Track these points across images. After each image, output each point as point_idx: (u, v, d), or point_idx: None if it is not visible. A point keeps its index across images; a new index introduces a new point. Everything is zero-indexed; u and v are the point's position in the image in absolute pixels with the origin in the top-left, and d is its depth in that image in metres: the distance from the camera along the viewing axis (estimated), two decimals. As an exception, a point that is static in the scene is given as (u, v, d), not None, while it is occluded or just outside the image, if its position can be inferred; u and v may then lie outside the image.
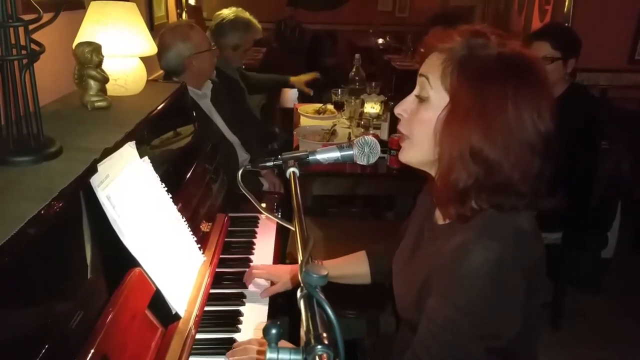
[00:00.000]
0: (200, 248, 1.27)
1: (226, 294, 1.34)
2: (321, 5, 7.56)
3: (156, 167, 1.20)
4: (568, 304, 2.52)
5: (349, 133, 2.60)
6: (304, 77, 3.50)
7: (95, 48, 1.34)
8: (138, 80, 1.59)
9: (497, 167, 0.88)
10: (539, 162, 0.89)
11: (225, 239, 1.55)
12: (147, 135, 1.28)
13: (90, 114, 1.36)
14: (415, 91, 0.98)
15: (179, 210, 1.23)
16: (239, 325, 1.21)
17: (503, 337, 0.91)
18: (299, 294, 0.56)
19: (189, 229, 1.25)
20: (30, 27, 0.98)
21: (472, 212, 0.92)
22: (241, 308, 1.28)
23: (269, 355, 0.50)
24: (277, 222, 1.71)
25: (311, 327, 0.50)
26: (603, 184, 2.33)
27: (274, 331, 0.50)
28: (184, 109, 1.72)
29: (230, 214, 1.69)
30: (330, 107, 3.09)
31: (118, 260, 0.96)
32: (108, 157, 1.02)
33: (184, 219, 1.24)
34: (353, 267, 1.39)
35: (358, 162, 1.03)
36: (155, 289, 1.00)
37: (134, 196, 1.05)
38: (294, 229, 0.76)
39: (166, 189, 1.21)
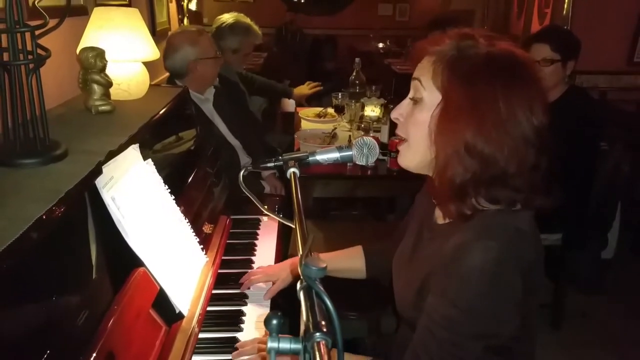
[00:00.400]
0: (202, 249, 1.29)
1: (229, 294, 1.35)
2: (321, 10, 7.60)
3: (159, 169, 1.22)
4: (568, 304, 2.53)
5: (349, 136, 2.62)
6: (306, 91, 3.52)
7: (99, 53, 1.37)
8: (141, 85, 1.62)
9: (492, 160, 0.89)
10: (533, 155, 0.90)
11: (228, 241, 1.57)
12: (150, 138, 1.30)
13: (94, 117, 1.38)
14: (410, 94, 1.00)
15: (182, 212, 1.25)
16: (242, 325, 1.23)
17: (501, 336, 0.92)
18: (298, 286, 0.58)
19: (192, 230, 1.27)
20: (37, 32, 1.01)
21: (473, 210, 0.94)
22: (243, 308, 1.30)
23: (270, 344, 0.52)
24: (278, 225, 1.74)
25: (310, 317, 0.52)
26: (603, 184, 2.35)
27: (274, 321, 0.52)
28: (186, 113, 1.74)
29: (232, 216, 1.71)
30: (330, 110, 3.12)
31: (122, 260, 0.98)
32: (112, 160, 1.05)
33: (187, 221, 1.26)
34: (349, 261, 1.41)
35: (357, 162, 1.05)
36: (159, 288, 1.02)
37: (138, 197, 1.08)
38: (294, 226, 0.78)
39: (169, 190, 1.23)
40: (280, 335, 0.52)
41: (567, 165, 2.19)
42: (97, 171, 0.98)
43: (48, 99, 1.09)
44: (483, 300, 0.89)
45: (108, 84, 1.41)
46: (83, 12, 1.82)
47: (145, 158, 1.18)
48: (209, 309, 1.22)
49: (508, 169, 0.90)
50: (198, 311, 1.13)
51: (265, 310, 1.31)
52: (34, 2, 1.04)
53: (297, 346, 0.51)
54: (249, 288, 1.38)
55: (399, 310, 1.13)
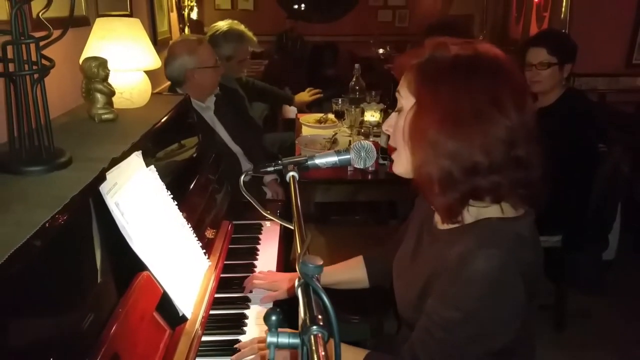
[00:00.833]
0: (205, 253, 1.31)
1: (231, 297, 1.37)
2: (321, 17, 7.65)
3: (162, 176, 1.25)
4: (570, 306, 2.54)
5: (349, 141, 2.65)
6: (306, 98, 3.55)
7: (102, 63, 1.40)
8: (143, 93, 1.64)
9: (459, 155, 0.91)
10: (505, 149, 0.91)
11: (230, 245, 1.59)
12: (152, 145, 1.32)
13: (97, 126, 1.41)
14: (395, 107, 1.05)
15: (184, 217, 1.27)
16: (244, 328, 1.25)
17: (502, 340, 0.93)
18: (296, 283, 0.60)
19: (195, 235, 1.29)
20: (41, 43, 1.03)
21: (461, 207, 0.96)
22: (246, 311, 1.32)
23: (269, 339, 0.54)
24: (280, 230, 1.76)
25: (307, 312, 0.54)
26: (602, 186, 2.36)
27: (273, 317, 0.54)
28: (187, 120, 1.77)
29: (234, 222, 1.72)
30: (331, 116, 3.14)
31: (127, 265, 1.00)
32: (116, 166, 1.07)
33: (190, 226, 1.28)
34: (350, 273, 1.43)
35: (355, 165, 1.07)
36: (162, 291, 1.04)
37: (141, 203, 1.10)
38: (293, 227, 0.80)
39: (172, 196, 1.25)
40: (279, 330, 0.54)
41: (566, 167, 2.21)
42: (101, 178, 1.00)
43: (52, 108, 1.11)
44: (485, 305, 0.90)
45: (111, 92, 1.44)
46: (85, 23, 1.85)
47: (148, 165, 1.20)
48: (211, 312, 1.24)
49: (478, 162, 0.91)
50: (201, 314, 1.15)
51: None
52: (38, 14, 1.06)
53: (295, 340, 0.53)
54: (251, 291, 1.40)
55: (400, 313, 1.14)
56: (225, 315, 1.30)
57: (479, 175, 0.92)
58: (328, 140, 2.69)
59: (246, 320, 1.28)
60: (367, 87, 3.17)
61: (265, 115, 4.16)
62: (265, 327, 0.56)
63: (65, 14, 1.55)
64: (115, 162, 1.08)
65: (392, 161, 1.07)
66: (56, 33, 1.08)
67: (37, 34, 1.03)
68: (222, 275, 1.40)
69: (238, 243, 1.65)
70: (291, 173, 1.00)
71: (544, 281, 1.02)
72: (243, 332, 1.23)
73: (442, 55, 0.96)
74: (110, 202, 1.00)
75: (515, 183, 0.94)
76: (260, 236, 1.72)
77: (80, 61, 1.45)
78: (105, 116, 1.43)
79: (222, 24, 3.04)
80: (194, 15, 4.35)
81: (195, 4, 4.34)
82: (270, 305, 1.36)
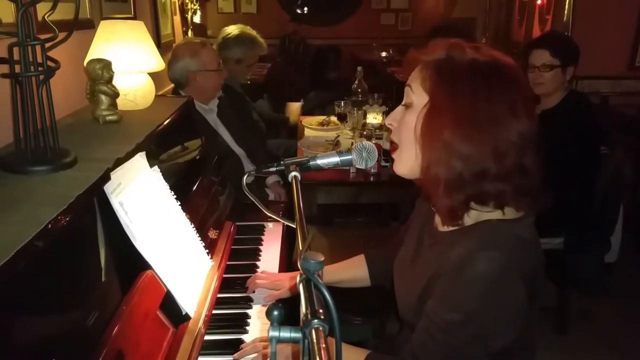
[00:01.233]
0: (208, 253, 1.32)
1: (234, 297, 1.38)
2: (324, 20, 7.67)
3: (165, 177, 1.26)
4: (572, 308, 2.53)
5: (352, 143, 2.66)
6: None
7: (106, 65, 1.41)
8: (147, 95, 1.66)
9: (471, 158, 0.92)
10: (515, 156, 0.92)
11: (233, 246, 1.60)
12: (156, 146, 1.33)
13: (102, 127, 1.42)
14: (403, 101, 1.04)
15: (188, 218, 1.28)
16: (247, 327, 1.26)
17: (502, 341, 0.94)
18: (298, 279, 0.61)
19: (198, 236, 1.30)
20: (46, 45, 1.05)
21: (463, 210, 0.96)
22: (248, 311, 1.32)
23: (271, 333, 0.55)
24: (283, 231, 1.76)
25: (309, 306, 0.55)
26: (604, 188, 2.36)
27: (275, 312, 0.55)
28: (190, 122, 1.78)
29: (237, 223, 1.73)
30: (333, 118, 3.15)
31: (131, 263, 1.01)
32: (120, 167, 1.08)
33: (193, 226, 1.29)
34: (352, 271, 1.43)
35: (357, 166, 1.08)
36: (166, 290, 1.05)
37: (145, 203, 1.11)
38: (295, 226, 0.81)
39: (175, 197, 1.26)
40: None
41: (568, 169, 2.21)
42: (106, 178, 1.02)
43: (57, 110, 1.13)
44: (485, 306, 0.91)
45: (115, 94, 1.45)
46: (90, 26, 1.87)
47: (151, 166, 1.22)
48: (214, 312, 1.25)
49: (489, 168, 0.92)
50: (204, 313, 1.16)
51: (270, 314, 1.33)
52: (43, 16, 1.08)
53: (297, 334, 0.54)
54: (253, 291, 1.40)
55: (401, 314, 1.15)
56: (228, 315, 1.30)
57: (487, 180, 0.93)
58: (330, 142, 2.71)
59: (249, 320, 1.29)
60: (370, 90, 3.18)
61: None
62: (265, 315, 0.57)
63: (70, 17, 1.57)
64: (119, 162, 1.09)
65: (392, 160, 1.06)
66: (61, 35, 1.09)
67: (43, 36, 1.05)
68: (224, 276, 1.41)
69: (241, 244, 1.66)
70: (293, 173, 1.01)
71: (545, 283, 1.02)
72: (245, 332, 1.24)
73: (461, 56, 0.97)
74: (115, 201, 1.01)
75: (519, 190, 0.95)
76: (262, 237, 1.72)
77: (85, 63, 1.46)
78: (110, 117, 1.44)
79: (234, 28, 3.07)
80: (197, 18, 4.37)
81: (198, 8, 4.36)
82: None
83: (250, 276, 1.45)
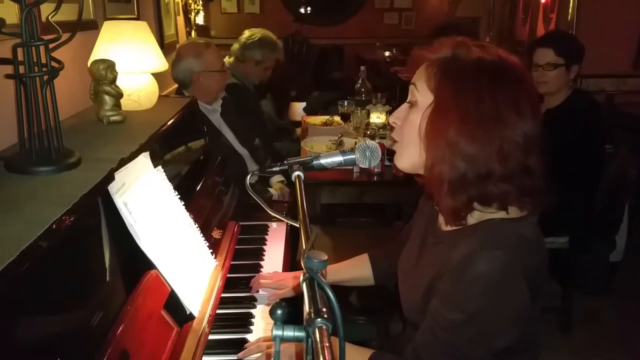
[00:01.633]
0: (212, 253, 1.32)
1: (238, 297, 1.38)
2: (327, 20, 7.67)
3: (169, 177, 1.26)
4: (577, 308, 2.53)
5: (355, 142, 2.65)
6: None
7: (110, 65, 1.41)
8: (150, 96, 1.66)
9: (475, 158, 0.91)
10: (520, 157, 0.92)
11: (236, 246, 1.60)
12: (159, 146, 1.34)
13: (106, 127, 1.43)
14: (407, 99, 1.04)
15: (191, 218, 1.28)
16: (251, 327, 1.26)
17: (505, 341, 0.94)
18: (301, 278, 0.61)
19: (202, 235, 1.30)
20: (50, 45, 1.05)
21: (467, 211, 0.96)
22: (252, 310, 1.32)
23: (275, 332, 0.55)
24: (286, 230, 1.77)
25: (312, 305, 0.55)
26: (609, 187, 2.35)
27: (279, 311, 0.55)
28: (194, 122, 1.79)
29: (241, 223, 1.74)
30: (337, 118, 3.15)
31: (135, 263, 1.01)
32: (124, 167, 1.08)
33: (197, 226, 1.29)
34: (356, 270, 1.43)
35: (360, 165, 1.08)
36: (170, 290, 1.05)
37: (149, 203, 1.11)
38: (298, 225, 0.81)
39: (179, 197, 1.26)
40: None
41: (573, 168, 2.20)
42: (110, 178, 1.02)
43: (61, 110, 1.13)
44: (488, 306, 0.91)
45: (119, 95, 1.45)
46: (93, 27, 1.88)
47: (155, 166, 1.22)
48: (218, 311, 1.25)
49: (494, 168, 0.92)
50: (208, 312, 1.16)
51: (274, 314, 1.33)
52: (47, 17, 1.08)
53: (300, 333, 0.54)
54: (257, 291, 1.40)
55: (405, 313, 1.15)
56: (232, 315, 1.31)
57: (491, 181, 0.92)
58: (334, 142, 2.70)
59: (253, 320, 1.29)
60: (373, 89, 3.18)
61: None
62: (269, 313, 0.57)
63: (73, 18, 1.58)
64: (123, 162, 1.10)
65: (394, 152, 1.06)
66: (65, 36, 1.10)
67: (47, 37, 1.05)
68: (228, 275, 1.41)
69: (244, 244, 1.66)
70: (297, 173, 1.01)
71: (549, 282, 1.02)
72: (249, 331, 1.24)
73: (466, 55, 0.96)
74: (119, 201, 1.01)
75: (523, 191, 0.94)
76: (266, 237, 1.73)
77: (89, 64, 1.47)
78: (114, 118, 1.44)
79: (256, 31, 3.14)
80: (200, 19, 4.38)
81: (201, 8, 4.37)
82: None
83: (254, 276, 1.45)
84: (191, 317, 1.10)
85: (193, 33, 3.98)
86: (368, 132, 2.60)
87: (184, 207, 1.27)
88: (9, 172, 1.05)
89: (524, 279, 0.91)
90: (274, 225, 1.80)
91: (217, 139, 2.32)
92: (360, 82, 3.20)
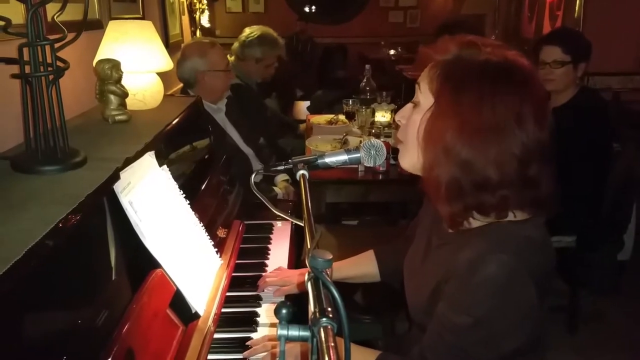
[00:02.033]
0: (217, 252, 1.32)
1: (243, 296, 1.38)
2: (332, 19, 7.66)
3: (174, 176, 1.26)
4: (584, 307, 2.51)
5: (360, 141, 2.65)
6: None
7: (115, 65, 1.42)
8: (156, 95, 1.66)
9: (470, 166, 0.90)
10: (518, 167, 0.90)
11: (241, 245, 1.60)
12: (165, 146, 1.34)
13: (111, 127, 1.43)
14: (413, 98, 1.03)
15: (196, 217, 1.28)
16: (256, 326, 1.26)
17: (513, 343, 0.93)
18: (306, 277, 0.60)
19: (207, 234, 1.30)
20: (56, 45, 1.05)
21: (464, 219, 0.95)
22: (257, 309, 1.32)
23: (280, 331, 0.54)
24: (291, 229, 1.76)
25: (317, 305, 0.55)
26: (616, 185, 2.33)
27: (284, 310, 0.55)
28: (199, 122, 1.79)
29: (245, 222, 1.74)
30: (341, 117, 3.15)
31: (140, 262, 1.01)
32: (129, 166, 1.08)
33: (202, 225, 1.29)
34: (362, 267, 1.43)
35: (365, 164, 1.07)
36: (175, 289, 1.05)
37: (154, 202, 1.11)
38: (303, 224, 0.81)
39: (184, 196, 1.26)
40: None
41: (580, 166, 2.19)
42: (115, 177, 1.02)
43: (67, 110, 1.13)
44: (495, 310, 0.90)
45: (124, 94, 1.46)
46: (98, 26, 1.88)
47: (160, 165, 1.22)
48: (223, 310, 1.25)
49: (489, 178, 0.90)
50: (213, 311, 1.16)
51: (279, 312, 1.33)
52: (52, 17, 1.08)
53: (306, 333, 0.54)
54: (263, 290, 1.40)
55: (411, 313, 1.14)
56: (237, 313, 1.31)
57: (487, 191, 0.92)
58: (339, 140, 2.70)
59: (258, 319, 1.29)
60: (378, 88, 3.17)
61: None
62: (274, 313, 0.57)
63: (79, 18, 1.58)
64: (128, 162, 1.10)
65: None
66: (70, 36, 1.10)
67: (52, 37, 1.05)
68: (233, 274, 1.42)
69: (249, 242, 1.66)
70: (301, 171, 1.01)
71: (556, 282, 1.01)
72: (255, 330, 1.24)
73: (471, 57, 0.94)
74: (124, 200, 1.01)
75: (522, 201, 0.93)
76: (271, 236, 1.73)
77: (94, 63, 1.47)
78: (119, 117, 1.45)
79: (256, 28, 3.11)
80: (204, 18, 4.38)
81: (206, 7, 4.37)
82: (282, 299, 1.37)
83: (259, 275, 1.45)
84: (196, 316, 1.10)
85: (198, 33, 3.99)
86: (373, 131, 2.60)
87: (189, 206, 1.27)
88: (15, 171, 1.05)
89: (531, 282, 0.90)
90: (278, 224, 1.80)
91: (222, 139, 2.32)
92: (365, 80, 3.20)
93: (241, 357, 1.14)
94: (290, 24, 7.19)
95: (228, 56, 3.05)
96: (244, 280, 1.45)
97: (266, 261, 1.57)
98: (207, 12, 4.46)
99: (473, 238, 0.95)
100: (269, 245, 1.66)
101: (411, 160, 1.03)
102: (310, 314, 0.56)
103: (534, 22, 4.98)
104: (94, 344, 0.83)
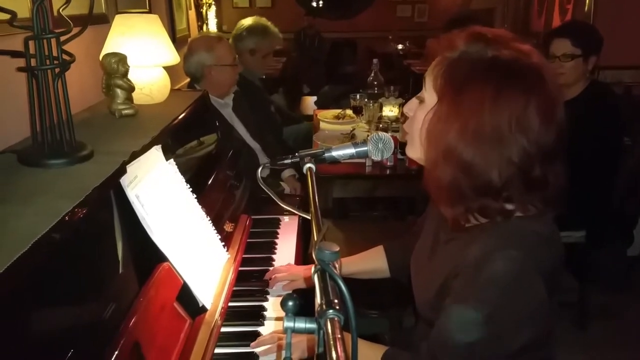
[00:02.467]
0: (224, 246, 1.32)
1: (250, 290, 1.38)
2: (340, 13, 7.63)
3: (181, 170, 1.26)
4: (593, 304, 2.48)
5: (367, 136, 2.63)
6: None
7: (121, 58, 1.41)
8: (162, 89, 1.66)
9: (471, 169, 0.88)
10: (520, 170, 0.88)
11: (248, 239, 1.60)
12: (171, 140, 1.34)
13: (118, 121, 1.43)
14: (419, 93, 1.02)
15: (203, 211, 1.28)
16: (263, 320, 1.26)
17: (521, 340, 0.92)
18: (313, 269, 0.60)
19: (214, 228, 1.30)
20: (62, 38, 1.05)
21: (463, 219, 0.94)
22: (264, 303, 1.32)
23: (286, 324, 0.54)
24: (298, 224, 1.76)
25: (324, 297, 0.54)
26: (627, 180, 2.31)
27: (290, 303, 0.54)
28: (206, 115, 1.78)
29: (253, 216, 1.73)
30: (349, 112, 3.13)
31: (147, 256, 1.01)
32: (136, 160, 1.08)
33: (208, 219, 1.29)
34: (372, 263, 1.42)
35: (373, 157, 1.06)
36: (182, 282, 1.05)
37: (161, 195, 1.11)
38: (310, 217, 0.80)
39: (191, 190, 1.26)
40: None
41: (590, 160, 2.16)
42: (122, 170, 1.02)
43: (73, 104, 1.13)
44: (504, 307, 0.89)
45: (131, 88, 1.45)
46: (104, 20, 1.88)
47: (167, 159, 1.22)
48: (231, 304, 1.25)
49: (491, 181, 0.89)
50: (220, 305, 1.16)
51: (286, 307, 1.33)
52: (58, 10, 1.08)
53: (312, 325, 0.53)
54: (273, 287, 1.40)
55: (418, 309, 1.13)
56: (244, 307, 1.31)
57: (489, 195, 0.90)
58: (346, 135, 2.69)
59: (265, 313, 1.28)
60: (386, 82, 3.15)
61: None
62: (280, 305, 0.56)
63: (85, 12, 1.58)
64: (135, 155, 1.09)
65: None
66: (76, 30, 1.10)
67: (58, 31, 1.05)
68: (240, 268, 1.41)
69: (256, 237, 1.66)
70: (308, 165, 1.00)
71: (565, 278, 1.00)
72: (262, 324, 1.24)
73: (478, 53, 0.91)
74: (131, 194, 1.01)
75: (529, 201, 0.92)
76: (278, 230, 1.72)
77: (100, 57, 1.47)
78: (126, 111, 1.45)
79: (247, 19, 3.08)
80: (211, 13, 4.37)
81: (213, 2, 4.37)
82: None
83: (267, 269, 1.45)
84: (203, 309, 1.10)
85: (205, 27, 3.99)
86: (380, 125, 2.58)
87: (195, 200, 1.26)
88: (22, 165, 1.05)
89: (541, 278, 0.89)
90: (285, 218, 1.80)
91: (229, 133, 2.32)
92: (372, 75, 3.18)
93: (248, 350, 1.14)
94: (298, 19, 7.18)
95: None
96: (251, 274, 1.45)
97: (273, 255, 1.57)
98: (214, 7, 4.46)
99: (481, 234, 0.94)
100: (276, 240, 1.66)
101: (417, 153, 1.02)
102: (316, 306, 0.55)
103: (544, 15, 4.93)
104: (101, 336, 0.83)
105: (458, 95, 0.90)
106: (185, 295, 1.06)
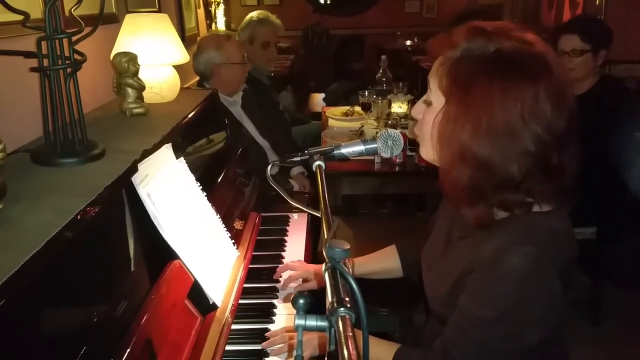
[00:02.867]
0: (234, 244, 1.32)
1: (260, 287, 1.39)
2: (347, 10, 7.61)
3: (191, 168, 1.27)
4: (607, 300, 2.47)
5: (376, 132, 2.63)
6: None
7: (132, 58, 1.42)
8: (172, 88, 1.67)
9: (489, 166, 0.88)
10: (537, 159, 0.88)
11: (258, 237, 1.61)
12: (181, 138, 1.34)
13: (129, 120, 1.44)
14: (424, 96, 1.01)
15: (213, 209, 1.29)
16: (273, 317, 1.26)
17: (536, 337, 0.92)
18: (323, 267, 0.60)
19: (223, 226, 1.30)
20: (73, 38, 1.06)
21: (486, 217, 0.93)
22: (274, 301, 1.33)
23: (297, 321, 0.54)
24: (308, 221, 1.76)
25: (335, 294, 0.54)
26: (638, 175, 2.28)
27: (301, 300, 0.54)
28: (215, 114, 1.79)
29: (262, 214, 1.74)
30: (357, 109, 3.13)
31: (158, 253, 1.02)
32: (147, 158, 1.09)
33: (218, 216, 1.30)
34: (384, 262, 1.42)
35: (382, 155, 1.06)
36: (193, 280, 1.06)
37: (172, 193, 1.12)
38: (319, 215, 0.81)
39: (201, 188, 1.27)
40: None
41: (601, 156, 2.14)
42: (133, 169, 1.03)
43: (85, 104, 1.15)
44: (519, 303, 0.89)
45: (141, 87, 1.46)
46: (114, 20, 1.89)
47: (177, 157, 1.23)
48: (241, 301, 1.26)
49: (512, 174, 0.88)
50: (231, 302, 1.17)
51: (296, 304, 1.34)
52: (70, 10, 1.09)
53: (323, 323, 0.53)
54: (286, 288, 1.40)
55: (430, 305, 1.13)
56: (254, 305, 1.31)
57: (510, 189, 0.90)
58: (355, 132, 2.69)
59: (275, 310, 1.29)
60: (395, 79, 3.14)
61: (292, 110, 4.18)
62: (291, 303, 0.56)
63: (95, 12, 1.59)
64: (146, 154, 1.10)
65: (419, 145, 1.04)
66: (87, 29, 1.10)
67: (70, 31, 1.06)
68: (250, 266, 1.42)
69: (266, 234, 1.67)
70: (317, 162, 1.00)
71: (578, 274, 0.99)
72: (272, 321, 1.24)
73: (479, 49, 0.90)
74: (142, 192, 1.02)
75: (546, 192, 0.91)
76: (287, 228, 1.73)
77: (111, 57, 1.48)
78: (136, 110, 1.46)
79: (251, 13, 3.10)
80: (220, 12, 4.38)
81: (221, 0, 4.37)
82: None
83: (276, 267, 1.45)
84: (214, 306, 1.10)
85: (214, 26, 4.00)
86: (389, 122, 2.58)
87: (205, 197, 1.27)
88: (35, 164, 1.07)
89: (555, 274, 0.88)
90: (295, 216, 1.80)
91: (238, 131, 2.33)
92: (381, 71, 3.17)
93: (259, 347, 1.14)
94: (306, 16, 7.16)
95: None
96: (261, 271, 1.46)
97: (283, 253, 1.57)
98: (222, 6, 4.46)
99: (497, 230, 0.93)
100: (285, 237, 1.67)
101: (429, 155, 1.01)
102: (327, 304, 0.55)
103: (554, 10, 4.88)
104: (113, 334, 0.84)
105: (466, 94, 0.89)
106: (196, 293, 1.07)
